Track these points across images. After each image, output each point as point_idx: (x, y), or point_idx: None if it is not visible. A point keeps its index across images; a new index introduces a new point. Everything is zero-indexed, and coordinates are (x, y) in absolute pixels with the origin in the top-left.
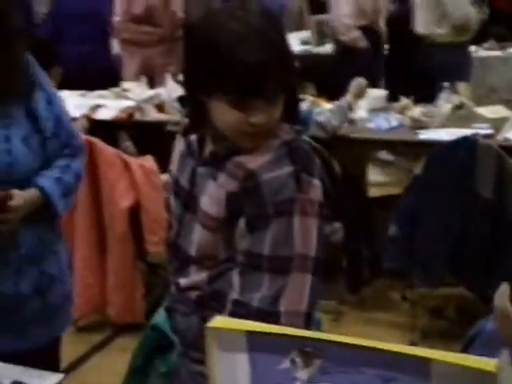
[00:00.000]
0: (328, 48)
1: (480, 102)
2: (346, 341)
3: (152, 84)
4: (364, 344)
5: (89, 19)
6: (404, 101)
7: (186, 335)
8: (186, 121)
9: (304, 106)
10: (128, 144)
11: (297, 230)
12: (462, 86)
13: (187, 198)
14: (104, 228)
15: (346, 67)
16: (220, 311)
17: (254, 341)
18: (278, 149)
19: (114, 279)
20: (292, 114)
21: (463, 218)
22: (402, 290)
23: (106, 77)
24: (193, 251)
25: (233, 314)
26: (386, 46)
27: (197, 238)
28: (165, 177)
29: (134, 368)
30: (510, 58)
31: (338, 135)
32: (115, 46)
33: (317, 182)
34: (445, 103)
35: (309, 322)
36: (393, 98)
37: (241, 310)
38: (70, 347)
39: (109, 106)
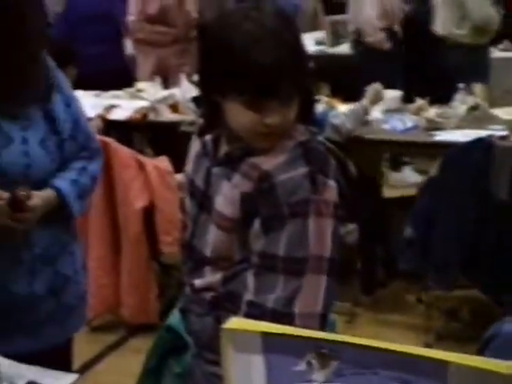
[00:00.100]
0: (343, 48)
1: (495, 103)
2: (362, 342)
3: (166, 84)
4: (380, 346)
5: (102, 19)
6: (419, 102)
7: (201, 336)
8: (201, 121)
9: (319, 108)
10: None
11: (312, 231)
12: (477, 88)
13: (202, 199)
14: (118, 228)
15: (367, 69)
16: (235, 312)
17: (270, 342)
18: (293, 150)
19: (128, 279)
20: (307, 115)
21: (478, 219)
22: (417, 292)
23: (119, 77)
24: (208, 252)
25: (247, 315)
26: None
27: (212, 238)
28: (179, 177)
29: (148, 369)
30: None
31: (352, 136)
32: (129, 46)
33: (332, 183)
34: (460, 104)
35: (324, 323)
36: (408, 99)
37: (255, 311)
38: (83, 347)
39: (123, 106)
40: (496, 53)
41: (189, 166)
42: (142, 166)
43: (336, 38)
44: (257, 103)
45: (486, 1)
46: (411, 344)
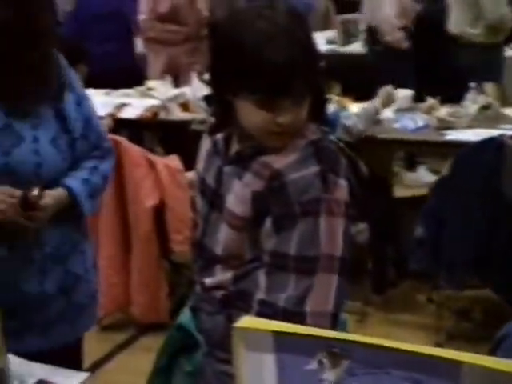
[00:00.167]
0: (354, 47)
1: (507, 102)
2: (374, 342)
3: (177, 83)
4: (392, 345)
5: (113, 18)
6: (430, 101)
7: (212, 335)
8: (212, 120)
9: (331, 108)
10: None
11: (323, 230)
12: (489, 87)
13: (213, 197)
14: (129, 227)
15: (381, 68)
16: (246, 311)
17: (281, 341)
18: (305, 149)
19: (138, 278)
20: (319, 114)
21: (489, 219)
22: (428, 292)
23: (130, 76)
24: (218, 250)
25: (259, 314)
26: None
27: (223, 237)
28: (190, 175)
29: (158, 367)
30: None
31: (363, 136)
32: (139, 45)
33: (343, 182)
34: (471, 104)
35: (335, 322)
36: (419, 98)
37: (267, 310)
38: (93, 346)
39: (134, 104)
40: (510, 52)
41: (200, 165)
42: (152, 165)
43: (347, 36)
44: (269, 102)
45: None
46: (422, 344)
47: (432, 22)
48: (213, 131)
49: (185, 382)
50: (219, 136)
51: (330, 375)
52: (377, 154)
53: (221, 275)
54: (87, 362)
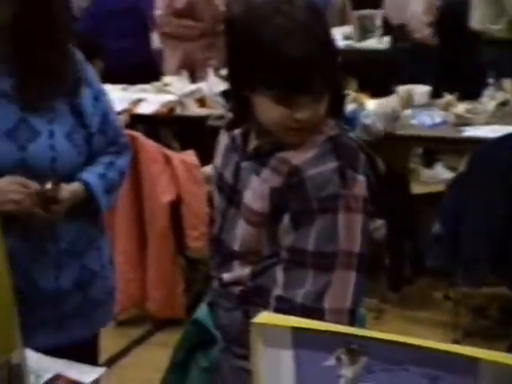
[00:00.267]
0: (370, 43)
1: None
2: (392, 338)
3: (193, 78)
4: (410, 342)
5: (129, 13)
6: (448, 97)
7: (229, 330)
8: (230, 115)
9: (350, 106)
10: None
11: (341, 227)
12: (507, 83)
13: (231, 193)
14: (145, 223)
15: (410, 65)
16: (263, 306)
17: (300, 337)
18: (323, 144)
19: (154, 274)
20: (337, 110)
21: (507, 216)
22: (445, 289)
23: (146, 71)
24: (236, 246)
25: (277, 310)
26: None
27: (240, 232)
28: (207, 170)
29: (175, 363)
30: None
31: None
32: (155, 40)
33: (361, 178)
34: (489, 100)
35: (353, 319)
36: (436, 94)
37: (285, 306)
38: (109, 341)
39: (150, 100)
40: None
41: (217, 160)
42: (168, 161)
43: (363, 32)
44: (287, 98)
45: None
46: (439, 341)
47: (454, 17)
48: (230, 127)
49: (201, 378)
50: (237, 131)
51: (347, 371)
52: (394, 151)
53: (238, 271)
54: (103, 357)
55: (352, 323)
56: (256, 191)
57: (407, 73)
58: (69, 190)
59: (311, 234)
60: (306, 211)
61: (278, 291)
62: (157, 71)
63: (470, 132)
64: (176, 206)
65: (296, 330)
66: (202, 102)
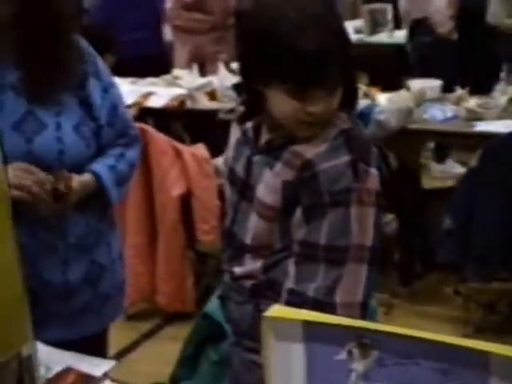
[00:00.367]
0: (381, 37)
1: None
2: (404, 332)
3: (203, 72)
4: (421, 336)
5: (140, 6)
6: (459, 91)
7: (240, 324)
8: (241, 109)
9: (364, 103)
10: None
11: (353, 220)
12: None
13: (243, 187)
14: (155, 216)
15: (430, 59)
16: (275, 300)
17: (311, 331)
18: (336, 138)
19: (164, 267)
20: (350, 103)
21: None
22: (455, 284)
23: (158, 64)
24: (248, 239)
25: (288, 304)
26: None
27: (252, 226)
28: (217, 161)
29: (185, 356)
30: None
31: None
32: (168, 33)
33: (374, 172)
34: (501, 95)
35: (365, 312)
36: (448, 88)
37: (296, 300)
38: (119, 335)
39: (160, 93)
40: None
41: (229, 154)
42: (179, 154)
43: (374, 26)
44: (300, 92)
45: None
46: (449, 336)
47: (472, 11)
48: (242, 120)
49: (211, 372)
50: (249, 125)
51: (359, 365)
52: (405, 145)
53: (250, 264)
54: (112, 350)
55: (363, 317)
56: (268, 185)
57: (428, 67)
58: (79, 180)
59: (323, 227)
60: (319, 205)
61: (289, 284)
62: (169, 64)
63: (482, 127)
64: (186, 200)
65: (307, 324)
66: (212, 95)
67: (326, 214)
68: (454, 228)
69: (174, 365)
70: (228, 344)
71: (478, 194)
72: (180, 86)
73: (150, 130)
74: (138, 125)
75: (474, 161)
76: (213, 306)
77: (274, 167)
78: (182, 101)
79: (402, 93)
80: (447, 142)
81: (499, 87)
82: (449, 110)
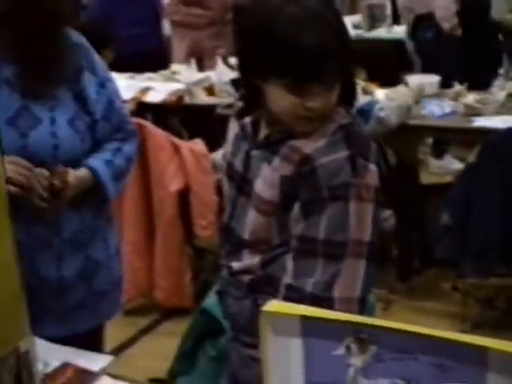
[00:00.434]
0: (380, 32)
1: None
2: (402, 328)
3: (201, 67)
4: (420, 331)
5: (139, 2)
6: (457, 87)
7: (238, 319)
8: (240, 104)
9: (365, 99)
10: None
11: (352, 215)
12: None
13: (241, 182)
14: (153, 211)
15: (433, 55)
16: (273, 295)
17: (309, 326)
18: (334, 133)
19: (162, 263)
20: (349, 98)
21: None
22: (453, 280)
23: (157, 59)
24: (246, 235)
25: (286, 299)
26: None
27: (250, 221)
28: (215, 156)
29: (183, 351)
30: None
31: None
32: (167, 27)
33: (373, 167)
34: (499, 90)
35: (363, 308)
36: (446, 84)
37: (294, 295)
38: (116, 330)
39: (158, 88)
40: None
41: (227, 149)
42: (177, 149)
43: (373, 21)
44: (299, 87)
45: None
46: (447, 331)
47: (477, 7)
48: (241, 115)
49: (209, 367)
50: (247, 120)
51: (357, 360)
52: (404, 141)
53: (248, 260)
54: (110, 346)
55: (362, 312)
56: (266, 180)
57: (430, 63)
58: (75, 175)
59: (322, 222)
60: (317, 200)
61: (287, 280)
62: (168, 59)
63: (480, 122)
64: (184, 195)
65: (305, 319)
66: (210, 90)
67: (325, 208)
68: (452, 224)
69: (172, 360)
70: (226, 339)
71: (476, 190)
72: (178, 81)
73: (148, 125)
74: (136, 120)
75: (472, 156)
76: (211, 301)
77: (272, 162)
78: (180, 96)
79: (400, 88)
80: (445, 138)
81: (498, 83)
82: (447, 106)
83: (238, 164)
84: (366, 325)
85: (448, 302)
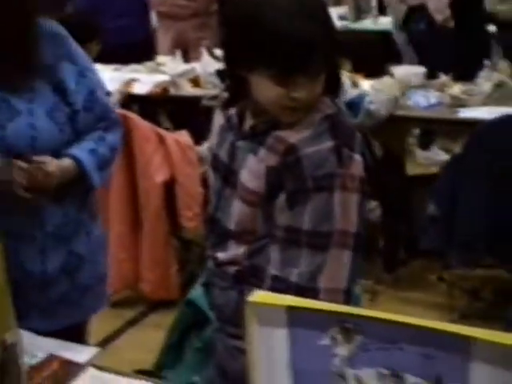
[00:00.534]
0: (365, 24)
1: None
2: (387, 317)
3: (186, 58)
4: (405, 321)
5: None
6: (443, 78)
7: (224, 310)
8: (225, 95)
9: (354, 92)
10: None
11: (337, 206)
12: (502, 64)
13: (226, 172)
14: (138, 203)
15: (425, 47)
16: (259, 286)
17: (294, 316)
18: (320, 123)
19: (147, 255)
20: (334, 88)
21: (502, 198)
22: (439, 271)
23: (144, 50)
24: (232, 225)
25: (272, 289)
26: None
27: (236, 212)
28: (201, 149)
29: (169, 344)
30: None
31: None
32: (154, 19)
33: (358, 157)
34: (485, 81)
35: (348, 298)
36: (431, 75)
37: (280, 286)
38: (103, 323)
39: (143, 80)
40: None
41: (212, 140)
42: (162, 140)
43: (358, 13)
44: (284, 78)
45: None
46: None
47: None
48: (226, 106)
49: (194, 358)
50: (232, 111)
51: (342, 350)
52: (390, 132)
53: (234, 250)
54: (96, 338)
55: (347, 303)
56: (252, 170)
57: (423, 54)
58: (57, 164)
59: (306, 212)
60: (302, 190)
61: (273, 270)
62: (155, 51)
63: (466, 113)
64: (170, 187)
65: (291, 309)
66: (195, 82)
67: (310, 199)
68: (438, 214)
69: (159, 352)
70: (211, 330)
71: (462, 181)
72: (163, 73)
73: (133, 116)
74: (121, 111)
75: (458, 147)
76: (196, 292)
77: (257, 153)
78: (165, 87)
79: (386, 79)
80: (431, 129)
81: (483, 73)
82: (433, 97)
83: (224, 155)
84: (351, 315)
85: (434, 293)
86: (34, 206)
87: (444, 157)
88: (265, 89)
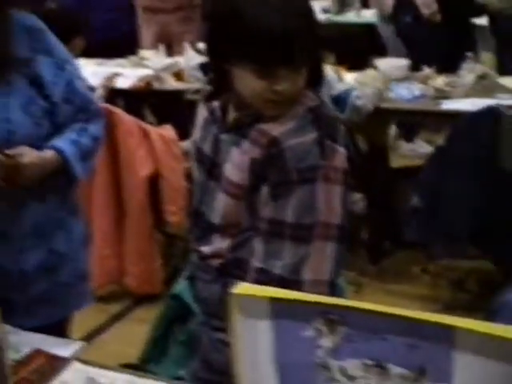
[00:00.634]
0: (349, 17)
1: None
2: (371, 308)
3: (170, 52)
4: (388, 311)
5: None
6: (426, 70)
7: (208, 303)
8: (208, 88)
9: (342, 87)
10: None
11: (320, 198)
12: (485, 56)
13: (210, 166)
14: (122, 197)
15: (412, 40)
16: (243, 279)
17: (278, 308)
18: (303, 115)
19: (132, 249)
20: (316, 81)
21: (486, 189)
22: (424, 263)
23: (129, 45)
24: (216, 219)
25: (256, 282)
26: None
27: (220, 205)
28: (186, 144)
29: (154, 337)
30: None
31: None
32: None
33: (341, 149)
34: (468, 73)
35: (332, 290)
36: (415, 67)
37: (263, 278)
38: (88, 317)
39: (126, 74)
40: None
41: (196, 134)
42: (146, 134)
43: (342, 6)
44: (266, 71)
45: None
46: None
47: None
48: (209, 99)
49: (179, 352)
50: (216, 104)
51: (326, 341)
52: (373, 124)
53: (218, 244)
54: (81, 333)
55: (331, 294)
56: (236, 163)
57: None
58: (37, 156)
59: (290, 205)
60: (285, 182)
61: (256, 263)
62: (139, 45)
63: (449, 105)
64: (154, 181)
65: (274, 301)
66: (179, 75)
67: (293, 191)
68: (422, 206)
69: (144, 346)
70: (196, 323)
71: (445, 172)
72: (147, 67)
73: (117, 110)
74: (104, 105)
75: (441, 139)
76: (181, 286)
77: (241, 145)
78: (148, 82)
79: (369, 72)
80: (415, 121)
81: (466, 65)
82: (416, 89)
83: (207, 148)
84: (335, 306)
85: (419, 285)
86: (12, 203)
87: (428, 149)
88: (247, 82)
